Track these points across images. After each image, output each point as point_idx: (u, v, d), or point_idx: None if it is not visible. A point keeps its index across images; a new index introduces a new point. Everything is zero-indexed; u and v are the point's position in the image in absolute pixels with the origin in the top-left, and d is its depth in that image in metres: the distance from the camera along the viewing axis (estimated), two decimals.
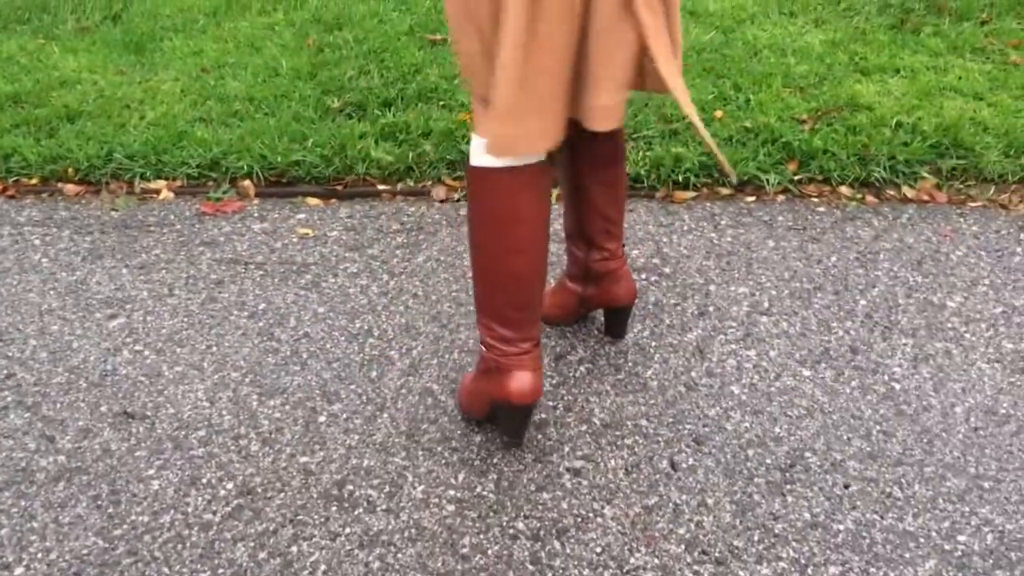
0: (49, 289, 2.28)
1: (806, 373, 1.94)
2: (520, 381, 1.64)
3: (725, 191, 2.58)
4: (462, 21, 1.49)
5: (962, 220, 2.42)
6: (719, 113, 2.82)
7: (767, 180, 2.55)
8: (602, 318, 2.06)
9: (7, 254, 2.42)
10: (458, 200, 2.60)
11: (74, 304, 2.23)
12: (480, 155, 1.55)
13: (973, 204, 2.49)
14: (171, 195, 2.66)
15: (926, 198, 2.52)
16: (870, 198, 2.53)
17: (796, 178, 2.57)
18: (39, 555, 1.60)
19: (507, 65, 1.42)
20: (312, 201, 2.63)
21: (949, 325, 2.06)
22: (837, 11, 3.46)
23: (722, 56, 3.15)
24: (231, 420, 1.87)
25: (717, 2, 3.52)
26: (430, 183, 2.68)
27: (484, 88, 1.50)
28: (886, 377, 1.93)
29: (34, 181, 2.75)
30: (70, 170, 2.75)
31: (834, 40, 3.23)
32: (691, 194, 2.56)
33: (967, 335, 2.03)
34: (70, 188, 2.71)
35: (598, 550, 1.58)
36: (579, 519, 1.64)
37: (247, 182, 2.68)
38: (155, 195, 2.67)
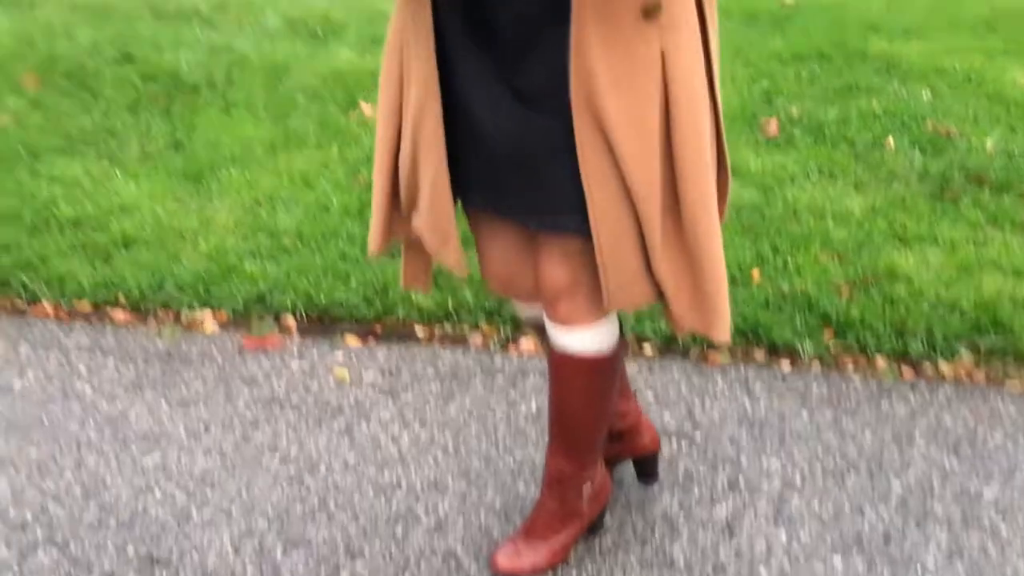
0: (89, 419, 2.33)
1: (837, 561, 1.91)
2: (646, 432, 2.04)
3: (759, 355, 2.58)
4: (617, 219, 1.59)
5: (999, 402, 2.40)
6: (756, 273, 2.86)
7: (802, 348, 2.56)
8: (629, 477, 2.06)
9: (53, 381, 2.48)
10: (492, 349, 2.63)
11: (112, 437, 2.26)
12: (609, 341, 1.73)
13: (1012, 385, 2.47)
14: (215, 327, 2.73)
15: (964, 375, 2.50)
16: (907, 371, 2.52)
17: (830, 346, 2.58)
18: None
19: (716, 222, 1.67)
20: (351, 341, 2.68)
21: (985, 517, 2.02)
22: (877, 176, 3.52)
23: (761, 216, 3.21)
24: (254, 572, 1.87)
25: (757, 160, 3.59)
26: (467, 328, 2.72)
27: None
28: (919, 568, 1.89)
29: (85, 306, 2.83)
30: (121, 297, 2.83)
31: (874, 206, 3.27)
32: (725, 357, 2.58)
33: (1004, 529, 1.99)
34: (119, 315, 2.79)
35: None
36: None
37: (290, 318, 2.74)
38: (200, 325, 2.73)
